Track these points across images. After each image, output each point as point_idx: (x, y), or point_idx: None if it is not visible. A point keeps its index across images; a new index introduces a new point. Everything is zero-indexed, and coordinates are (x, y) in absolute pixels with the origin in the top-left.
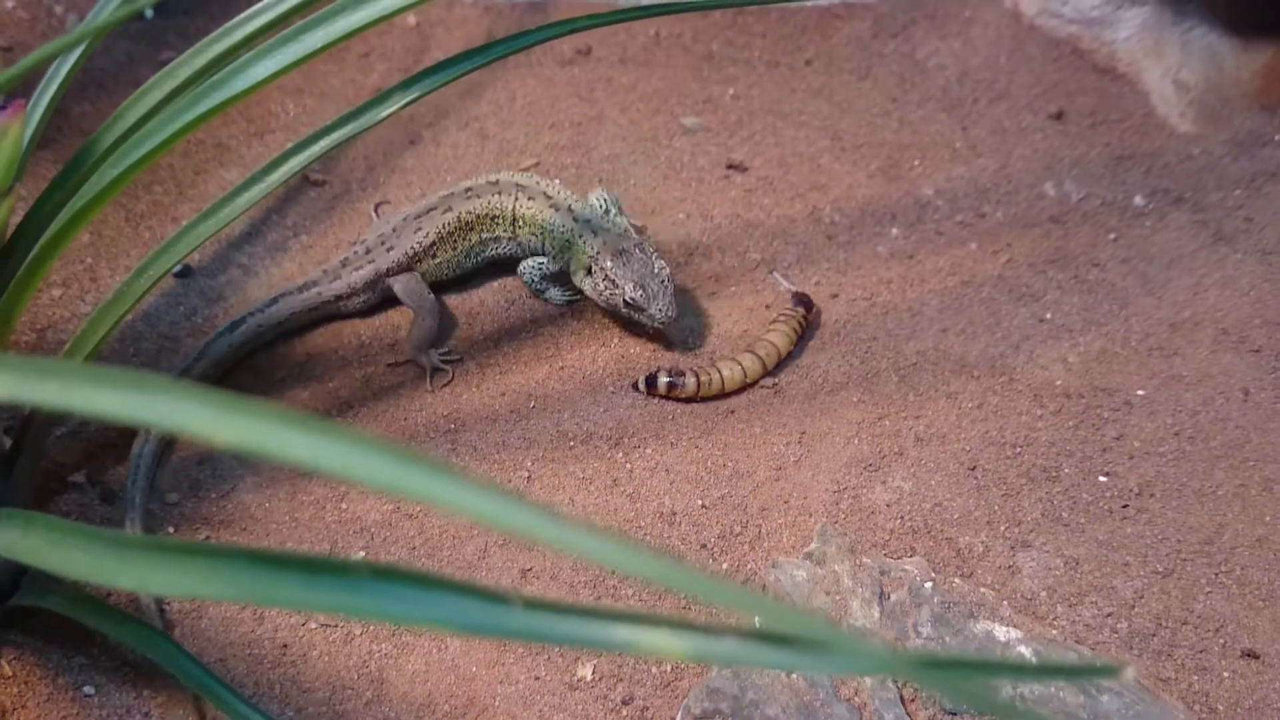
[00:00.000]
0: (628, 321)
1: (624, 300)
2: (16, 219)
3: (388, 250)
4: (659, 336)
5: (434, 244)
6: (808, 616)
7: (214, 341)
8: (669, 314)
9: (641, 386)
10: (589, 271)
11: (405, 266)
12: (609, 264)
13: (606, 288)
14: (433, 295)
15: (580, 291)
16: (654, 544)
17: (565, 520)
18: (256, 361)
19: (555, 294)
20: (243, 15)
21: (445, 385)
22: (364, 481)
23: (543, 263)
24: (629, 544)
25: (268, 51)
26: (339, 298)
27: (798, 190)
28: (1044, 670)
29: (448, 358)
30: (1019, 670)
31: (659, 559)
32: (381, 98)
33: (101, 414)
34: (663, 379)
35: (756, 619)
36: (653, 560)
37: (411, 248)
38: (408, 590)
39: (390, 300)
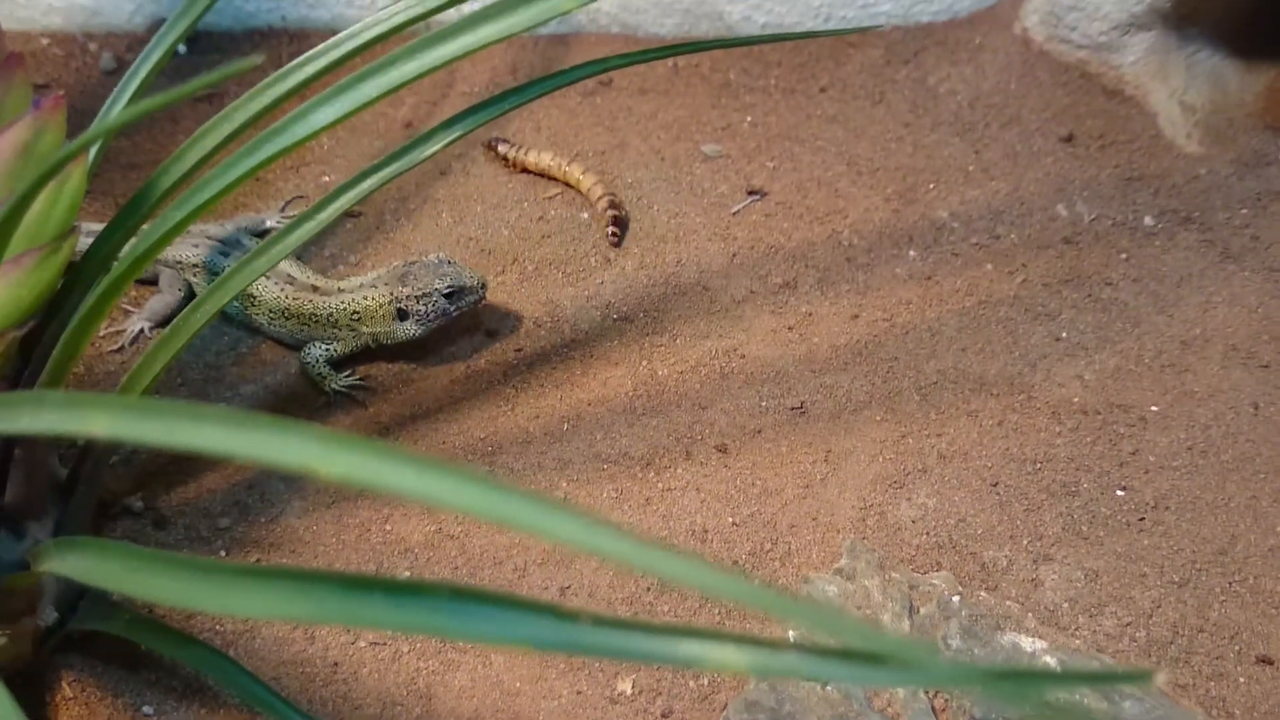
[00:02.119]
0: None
1: (443, 295)
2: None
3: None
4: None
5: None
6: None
7: None
8: (480, 277)
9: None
10: (400, 316)
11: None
12: (406, 289)
13: (426, 306)
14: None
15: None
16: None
17: (657, 546)
18: (299, 390)
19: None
20: (295, 62)
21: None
22: (463, 509)
23: (328, 349)
24: (712, 565)
25: (326, 100)
26: None
27: (816, 214)
28: (1092, 677)
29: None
30: (1070, 679)
31: (740, 578)
32: (425, 137)
33: (208, 452)
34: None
35: (791, 632)
36: (737, 582)
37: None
38: (484, 610)
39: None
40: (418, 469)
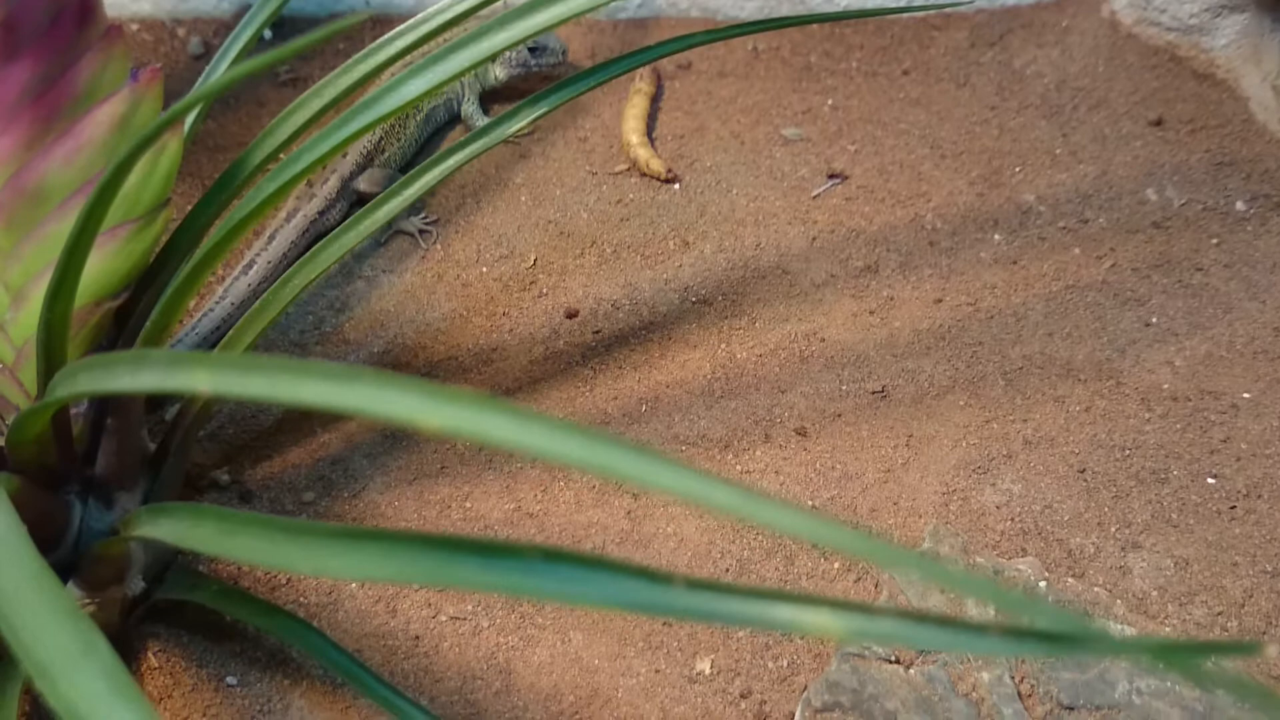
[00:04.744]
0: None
1: (528, 48)
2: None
3: (343, 157)
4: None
5: (380, 139)
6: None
7: (233, 284)
8: (563, 45)
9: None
10: (494, 59)
11: (363, 166)
12: None
13: (512, 54)
14: (397, 173)
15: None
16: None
17: (769, 499)
18: (382, 370)
19: (483, 118)
20: (380, 40)
21: (435, 242)
22: (562, 460)
23: (469, 97)
24: (833, 520)
25: (418, 71)
26: (320, 213)
27: (899, 198)
28: (1202, 648)
29: (428, 221)
30: (1224, 648)
31: (861, 534)
32: (510, 114)
33: (309, 404)
34: None
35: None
36: (859, 536)
37: (363, 148)
38: (577, 571)
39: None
40: (518, 421)
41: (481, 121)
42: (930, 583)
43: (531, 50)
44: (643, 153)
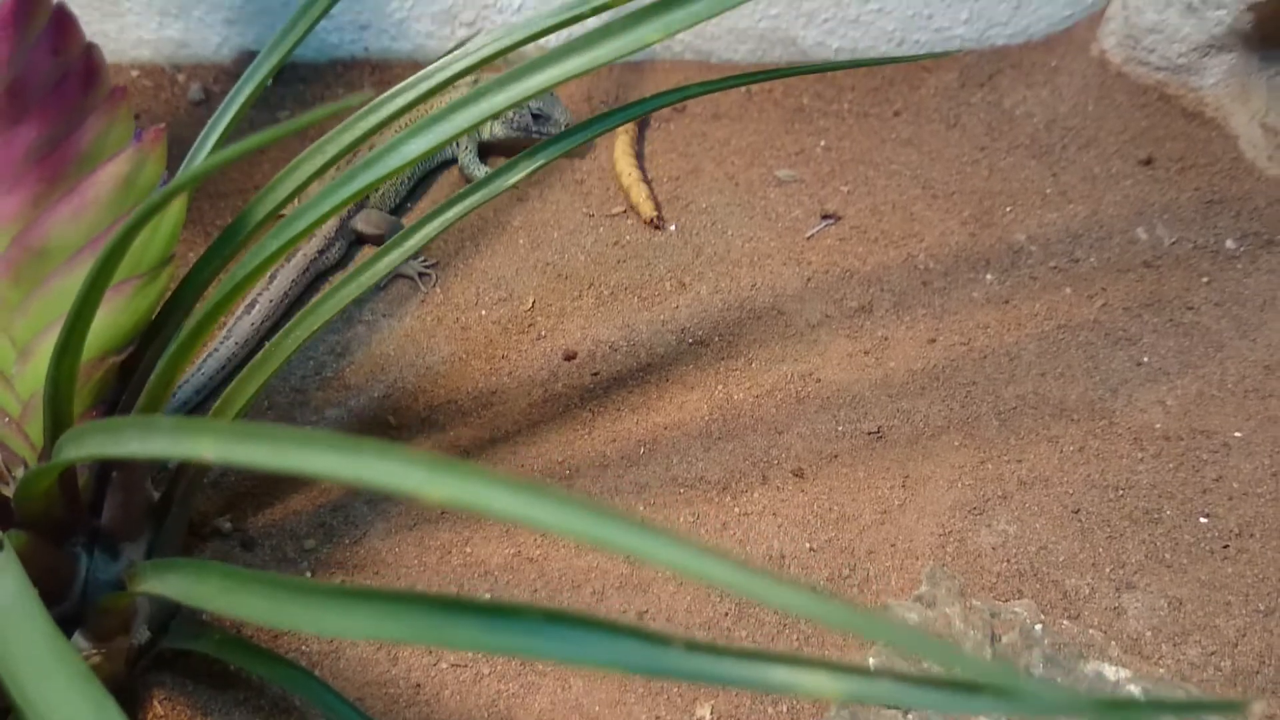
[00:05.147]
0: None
1: (531, 112)
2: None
3: None
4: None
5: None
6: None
7: (236, 323)
8: (568, 116)
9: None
10: (497, 118)
11: (360, 205)
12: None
13: (515, 115)
14: (393, 216)
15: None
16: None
17: (758, 572)
18: (382, 414)
19: (481, 168)
20: (385, 95)
21: (434, 286)
22: (562, 532)
23: (467, 147)
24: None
25: (417, 131)
26: (320, 252)
27: (891, 238)
28: (1185, 706)
29: (427, 265)
30: (1167, 708)
31: (859, 609)
32: (509, 166)
33: (313, 474)
34: None
35: (871, 659)
36: (850, 611)
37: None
38: (577, 633)
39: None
40: (521, 494)
41: (480, 172)
42: (929, 636)
43: (535, 116)
44: (635, 192)
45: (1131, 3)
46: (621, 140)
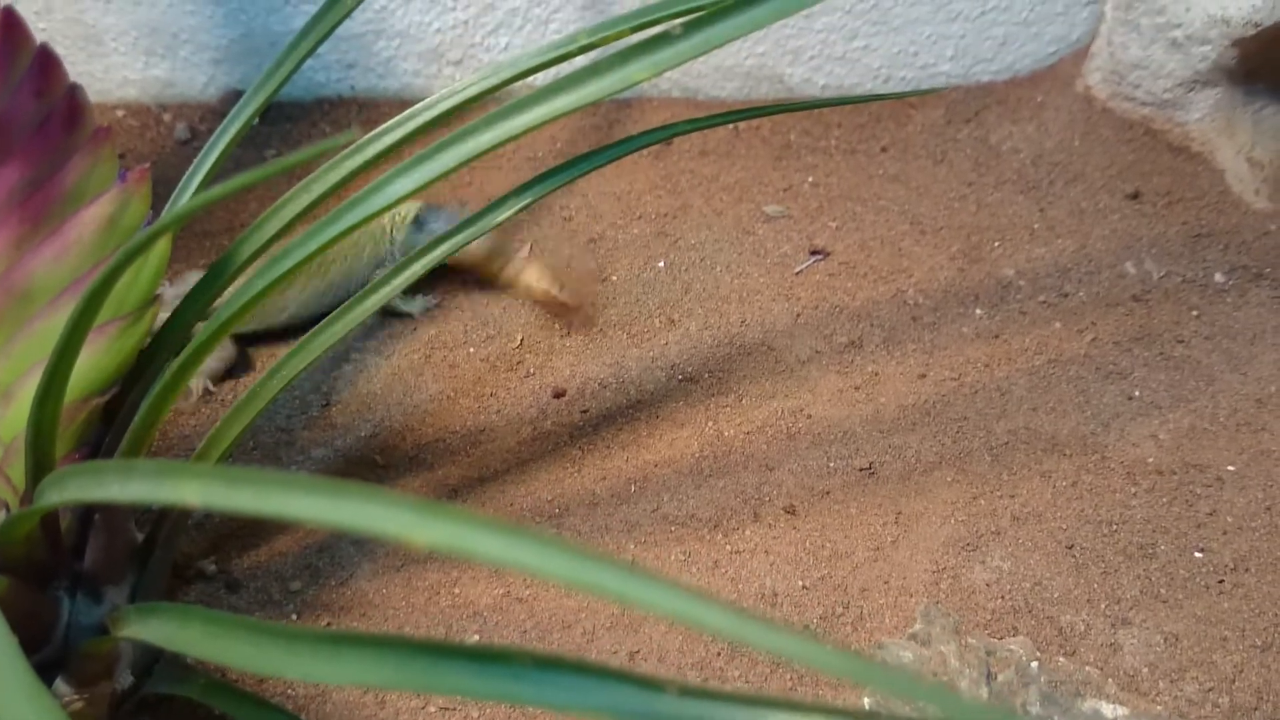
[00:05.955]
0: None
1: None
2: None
3: None
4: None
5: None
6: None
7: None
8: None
9: None
10: (418, 226)
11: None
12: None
13: (394, 230)
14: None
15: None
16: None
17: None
18: (368, 454)
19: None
20: (372, 134)
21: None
22: (551, 577)
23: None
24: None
25: (404, 171)
26: None
27: (880, 274)
28: None
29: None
30: None
31: (856, 657)
32: (496, 204)
33: (296, 518)
34: None
35: (866, 699)
36: (846, 658)
37: None
38: (567, 679)
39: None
40: (506, 538)
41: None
42: (925, 666)
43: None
44: (549, 283)
45: (1116, 39)
46: (532, 269)
